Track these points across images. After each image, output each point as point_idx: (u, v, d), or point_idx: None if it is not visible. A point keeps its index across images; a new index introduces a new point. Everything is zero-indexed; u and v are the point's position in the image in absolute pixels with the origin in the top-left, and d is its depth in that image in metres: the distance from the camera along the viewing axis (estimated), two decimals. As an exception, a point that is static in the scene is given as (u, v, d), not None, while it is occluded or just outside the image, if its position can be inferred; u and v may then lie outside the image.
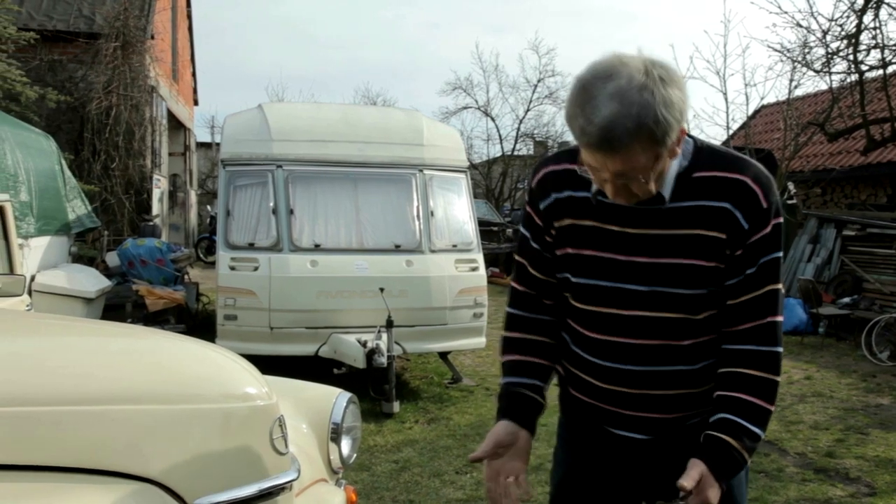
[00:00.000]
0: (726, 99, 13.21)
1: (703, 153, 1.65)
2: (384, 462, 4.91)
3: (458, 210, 7.21)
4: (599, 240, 1.69)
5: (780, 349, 1.66)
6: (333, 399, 2.42)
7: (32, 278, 6.57)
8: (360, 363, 5.96)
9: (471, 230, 7.13)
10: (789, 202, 13.57)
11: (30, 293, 5.28)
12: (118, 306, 8.42)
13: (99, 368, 1.76)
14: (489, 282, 7.26)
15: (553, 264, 1.78)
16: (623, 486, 1.86)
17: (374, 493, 4.35)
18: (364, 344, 5.99)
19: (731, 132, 13.44)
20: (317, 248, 6.57)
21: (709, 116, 21.02)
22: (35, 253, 6.95)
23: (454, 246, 6.94)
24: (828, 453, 5.23)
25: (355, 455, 2.50)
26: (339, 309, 6.39)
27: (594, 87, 1.45)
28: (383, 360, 5.88)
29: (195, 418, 1.70)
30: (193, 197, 21.05)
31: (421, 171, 7.01)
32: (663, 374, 1.73)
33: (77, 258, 9.18)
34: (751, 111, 14.25)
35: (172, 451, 1.66)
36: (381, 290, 6.16)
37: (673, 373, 1.72)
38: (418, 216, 6.89)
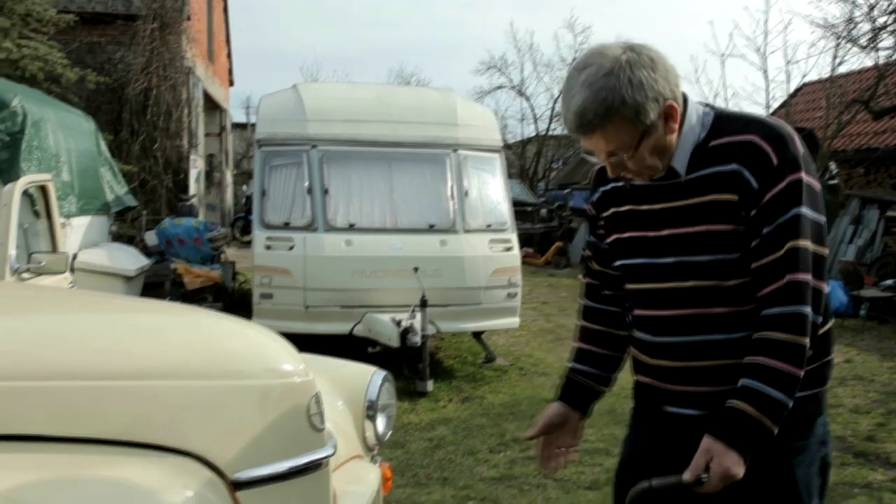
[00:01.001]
0: (766, 77, 12.94)
1: (721, 122, 1.68)
2: (418, 440, 4.95)
3: (492, 190, 7.19)
4: (635, 221, 1.78)
5: (806, 308, 1.57)
6: (369, 377, 2.44)
7: (74, 257, 6.71)
8: (395, 342, 6.00)
9: (505, 210, 7.11)
10: (831, 182, 13.29)
11: (72, 271, 5.39)
12: (157, 284, 8.56)
13: (139, 344, 1.79)
14: (523, 262, 7.24)
15: (609, 255, 1.89)
16: (680, 466, 1.86)
17: (409, 470, 4.39)
18: (398, 323, 6.03)
19: (771, 111, 13.18)
20: (351, 228, 6.60)
21: (748, 95, 20.58)
22: (76, 232, 7.09)
23: (488, 226, 6.93)
24: (868, 437, 5.15)
25: (390, 432, 2.52)
26: (374, 288, 6.42)
27: (571, 78, 1.60)
28: (417, 340, 5.91)
29: (233, 394, 1.72)
30: (229, 177, 21.28)
31: (455, 150, 6.99)
32: (701, 345, 1.72)
33: (117, 237, 9.34)
34: (792, 89, 13.95)
35: (211, 426, 1.69)
36: (416, 269, 6.18)
37: (711, 343, 1.71)
38: (452, 196, 6.88)
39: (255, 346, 1.86)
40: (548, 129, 26.29)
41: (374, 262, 6.46)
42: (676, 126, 1.64)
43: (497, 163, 7.29)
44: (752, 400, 1.57)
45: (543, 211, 17.38)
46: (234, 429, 1.70)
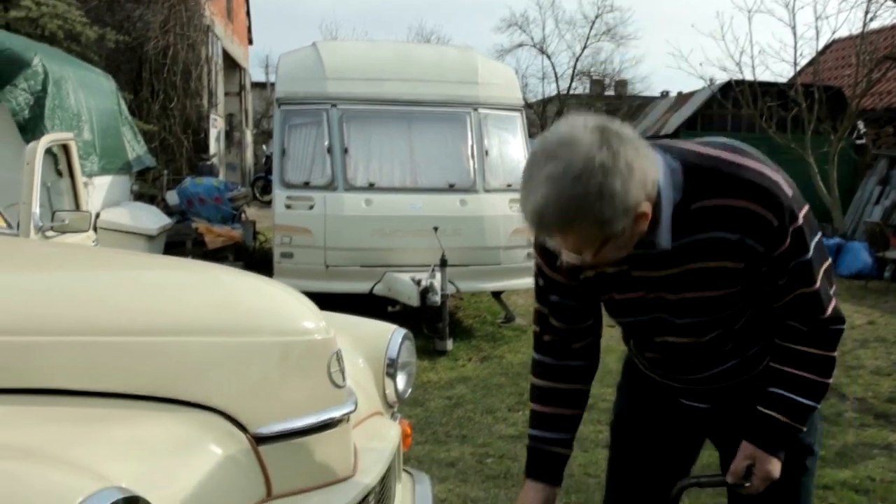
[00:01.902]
0: (795, 33, 12.63)
1: (695, 179, 1.53)
2: (438, 398, 5.00)
3: (512, 149, 7.14)
4: (625, 284, 1.67)
5: (834, 321, 1.63)
6: (389, 335, 2.45)
7: (97, 216, 6.77)
8: (414, 301, 6.03)
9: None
10: (858, 142, 13.08)
11: (95, 230, 5.44)
12: (178, 243, 8.65)
13: (163, 301, 1.81)
14: (543, 222, 7.20)
15: (578, 311, 1.78)
16: (672, 420, 1.92)
17: (428, 428, 4.45)
18: (418, 282, 6.05)
19: (798, 69, 12.91)
20: (371, 188, 6.60)
21: (775, 52, 20.10)
22: (99, 191, 7.15)
23: (509, 186, 6.89)
24: (889, 399, 5.14)
25: (410, 390, 2.54)
26: (394, 247, 6.44)
27: (535, 164, 1.39)
28: (437, 299, 5.94)
29: (255, 351, 1.74)
30: (249, 137, 21.27)
31: (475, 109, 6.94)
32: (717, 375, 1.80)
33: (138, 196, 9.41)
34: (821, 46, 13.64)
35: (233, 382, 1.71)
36: (436, 229, 6.18)
37: (726, 370, 1.78)
38: (472, 155, 6.84)
39: (276, 303, 1.87)
40: (569, 89, 26.01)
41: (394, 222, 6.47)
42: (648, 222, 1.48)
43: (518, 122, 7.22)
44: (784, 410, 1.65)
45: (564, 171, 17.24)
46: (256, 384, 1.72)
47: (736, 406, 1.81)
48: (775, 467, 1.66)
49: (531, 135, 9.81)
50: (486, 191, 6.78)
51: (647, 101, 20.65)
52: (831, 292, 1.63)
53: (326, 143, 6.68)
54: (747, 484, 1.69)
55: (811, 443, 1.82)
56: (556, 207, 1.36)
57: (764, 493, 1.70)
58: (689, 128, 14.58)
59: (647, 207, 1.43)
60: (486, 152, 6.87)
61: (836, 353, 1.65)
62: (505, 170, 6.98)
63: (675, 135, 14.59)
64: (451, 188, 6.72)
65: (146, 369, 1.67)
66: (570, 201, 1.35)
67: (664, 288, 1.65)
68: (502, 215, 6.67)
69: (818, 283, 1.59)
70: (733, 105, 13.04)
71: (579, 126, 1.38)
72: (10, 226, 3.00)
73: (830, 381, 1.67)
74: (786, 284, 1.59)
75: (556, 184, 1.35)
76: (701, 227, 1.54)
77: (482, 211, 6.66)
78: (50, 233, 3.94)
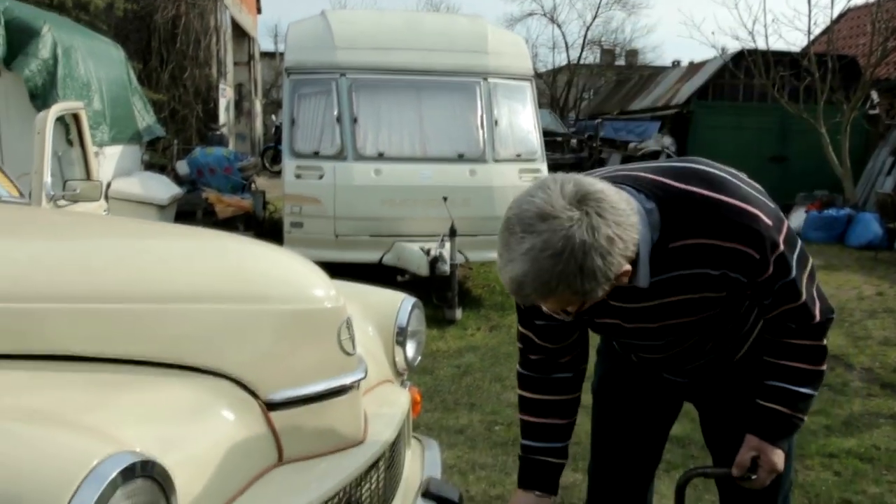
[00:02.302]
0: (809, 1, 12.45)
1: (672, 218, 1.50)
2: (446, 366, 5.03)
3: (522, 119, 7.09)
4: (605, 310, 1.65)
5: (824, 320, 1.64)
6: (399, 303, 2.46)
7: (108, 185, 6.79)
8: (424, 271, 6.04)
9: (535, 140, 7.02)
10: (871, 112, 12.92)
11: (106, 199, 5.46)
12: (189, 213, 8.67)
13: (175, 269, 1.82)
14: (553, 192, 7.18)
15: (562, 330, 1.76)
16: (662, 388, 1.97)
17: (437, 395, 4.48)
18: (427, 252, 6.06)
19: (812, 37, 12.74)
20: (380, 157, 6.59)
21: (789, 21, 19.93)
22: (109, 161, 7.16)
23: (518, 156, 6.87)
24: (896, 369, 5.14)
25: (419, 358, 2.56)
26: (403, 217, 6.44)
27: (513, 235, 1.34)
28: (446, 268, 5.94)
29: (266, 318, 1.75)
30: (258, 106, 21.21)
31: (485, 79, 6.89)
32: (697, 366, 1.84)
33: (149, 166, 9.42)
34: (836, 14, 13.45)
35: (245, 349, 1.72)
36: (445, 199, 6.17)
37: (706, 362, 1.83)
38: (482, 125, 6.81)
39: (287, 271, 1.88)
40: (579, 58, 25.74)
41: (404, 192, 6.46)
42: (629, 275, 1.46)
43: (527, 91, 7.17)
44: (787, 401, 1.68)
45: (573, 141, 17.17)
46: (267, 351, 1.73)
47: (714, 378, 1.86)
48: (779, 458, 1.69)
49: (540, 105, 9.73)
50: (496, 161, 6.75)
51: (658, 71, 20.44)
52: (815, 294, 1.63)
53: (335, 112, 6.65)
54: (753, 476, 1.70)
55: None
56: (535, 282, 1.33)
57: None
58: (701, 97, 14.43)
59: (627, 267, 1.40)
60: (496, 122, 6.83)
61: (826, 342, 1.67)
62: (515, 140, 6.94)
63: (687, 104, 14.47)
64: (461, 158, 6.70)
65: (158, 336, 1.68)
66: (550, 277, 1.32)
67: (643, 319, 1.66)
68: (511, 185, 6.64)
69: (804, 297, 1.60)
70: (745, 74, 12.89)
71: (556, 196, 1.32)
72: (22, 195, 3.01)
73: (825, 367, 1.69)
74: (772, 303, 1.61)
75: (534, 260, 1.31)
76: (681, 264, 1.53)
77: (491, 181, 6.63)
78: (62, 202, 3.95)
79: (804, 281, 1.59)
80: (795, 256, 1.57)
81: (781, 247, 1.53)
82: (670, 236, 1.50)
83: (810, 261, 1.63)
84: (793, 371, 1.66)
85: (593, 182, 1.36)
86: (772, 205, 1.56)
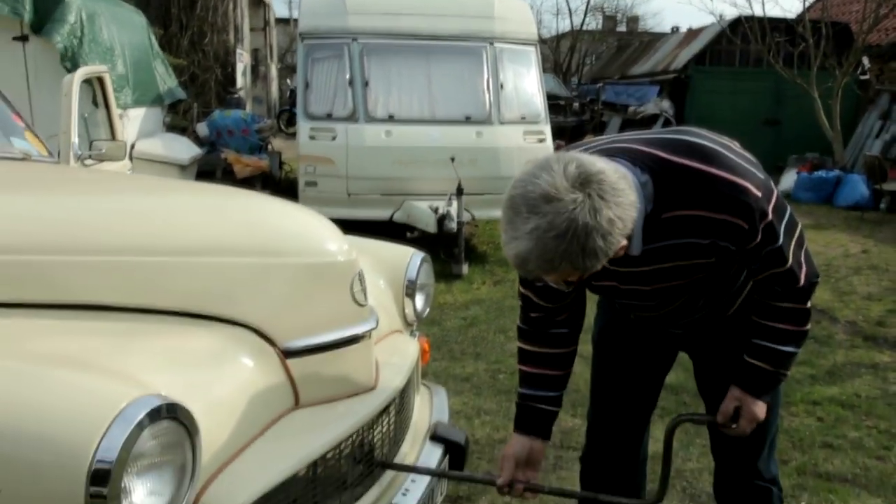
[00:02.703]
0: (804, -32, 12.17)
1: (665, 190, 1.49)
2: (453, 318, 5.05)
3: (527, 83, 7.01)
4: (601, 274, 1.58)
5: (808, 284, 1.63)
6: (408, 257, 2.45)
7: (132, 146, 6.75)
8: (432, 228, 6.03)
9: (539, 103, 6.95)
10: (862, 77, 12.71)
11: (130, 160, 5.43)
12: (209, 173, 8.66)
13: (197, 223, 1.81)
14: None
15: (560, 291, 1.74)
16: (658, 338, 1.97)
17: (444, 345, 4.50)
18: (435, 210, 6.04)
19: (807, 4, 12.48)
20: (391, 119, 6.54)
21: (784, -13, 19.39)
22: (133, 123, 7.12)
23: (523, 118, 6.80)
24: (878, 322, 5.13)
25: (428, 310, 2.56)
26: (412, 177, 6.41)
27: (517, 213, 1.33)
28: (453, 226, 5.93)
29: (282, 270, 1.75)
30: (274, 71, 21.00)
31: (491, 43, 6.79)
32: (690, 321, 1.85)
33: (170, 128, 9.37)
34: (830, -19, 13.12)
35: (262, 300, 1.72)
36: (452, 159, 6.14)
37: (698, 318, 1.83)
38: (488, 88, 6.73)
39: (302, 226, 1.87)
40: (582, 24, 25.35)
41: (413, 152, 6.43)
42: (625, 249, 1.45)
43: (532, 56, 7.07)
44: (771, 359, 1.70)
45: (576, 104, 16.97)
46: (284, 302, 1.73)
47: (707, 330, 1.86)
48: (760, 409, 1.72)
49: (544, 70, 9.59)
50: (501, 123, 6.70)
51: (658, 37, 20.11)
52: (802, 259, 1.62)
53: (348, 76, 6.58)
54: (734, 425, 1.74)
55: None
56: (539, 259, 1.33)
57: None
58: (699, 62, 14.21)
59: (624, 243, 1.39)
60: (502, 85, 6.75)
61: (810, 304, 1.67)
62: (519, 102, 6.88)
63: (686, 69, 14.25)
64: (468, 120, 6.64)
65: (180, 287, 1.68)
66: (553, 255, 1.31)
67: (637, 282, 1.67)
68: (516, 147, 6.60)
69: (790, 262, 1.59)
70: (742, 40, 12.67)
71: (560, 178, 1.30)
72: (51, 154, 3.00)
73: (808, 328, 1.70)
74: (759, 268, 1.61)
75: (539, 240, 1.30)
76: (672, 234, 1.53)
77: (497, 142, 6.59)
78: (88, 161, 3.93)
79: (792, 247, 1.58)
80: (784, 224, 1.56)
81: (770, 216, 1.52)
82: (663, 207, 1.49)
83: (798, 227, 1.62)
84: (777, 332, 1.68)
85: (594, 162, 1.34)
86: (761, 175, 1.53)
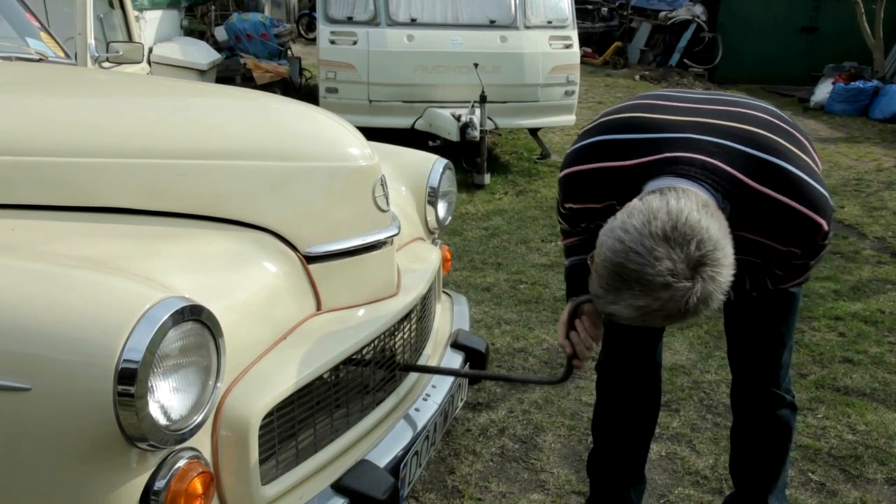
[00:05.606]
0: None
1: (740, 213, 1.49)
2: (475, 228, 5.05)
3: (554, -14, 6.73)
4: None
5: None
6: (431, 164, 2.42)
7: (150, 50, 6.65)
8: (454, 136, 5.95)
9: (566, 6, 6.69)
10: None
11: (149, 63, 5.36)
12: (228, 79, 8.53)
13: (219, 126, 1.79)
14: (581, 61, 6.92)
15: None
16: None
17: (466, 255, 4.51)
18: (458, 118, 5.94)
19: None
20: (413, 23, 6.34)
21: None
22: (150, 25, 6.99)
23: (549, 22, 6.57)
24: (908, 239, 5.05)
25: (450, 218, 2.54)
26: (435, 83, 6.28)
27: (626, 288, 1.32)
28: (476, 134, 5.85)
29: (304, 174, 1.73)
30: (293, -28, 20.33)
31: (517, -58, 6.49)
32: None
33: (188, 32, 9.20)
34: None
35: (285, 204, 1.71)
36: (476, 65, 5.99)
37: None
38: (514, -10, 6.49)
39: (324, 130, 1.84)
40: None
41: (435, 58, 6.26)
42: None
43: (560, -44, 6.76)
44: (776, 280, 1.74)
45: (604, 10, 16.36)
46: (306, 207, 1.72)
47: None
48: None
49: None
50: (527, 27, 6.48)
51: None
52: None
53: (369, -24, 6.36)
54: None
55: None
56: (637, 322, 1.37)
57: (762, 305, 1.81)
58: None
59: None
60: (527, -13, 6.50)
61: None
62: (546, 6, 6.62)
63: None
64: (492, 24, 6.43)
65: (202, 191, 1.67)
66: (653, 323, 1.37)
67: None
68: (542, 52, 6.41)
69: (811, 278, 1.73)
70: (782, -60, 12.02)
71: (680, 264, 1.28)
72: (68, 56, 2.95)
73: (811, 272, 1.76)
74: (783, 276, 1.69)
75: (646, 315, 1.33)
76: (754, 210, 1.52)
77: (522, 48, 6.39)
78: (106, 63, 3.87)
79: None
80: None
81: (826, 247, 1.59)
82: (734, 225, 1.46)
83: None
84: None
85: (708, 228, 1.31)
86: (829, 198, 1.55)
